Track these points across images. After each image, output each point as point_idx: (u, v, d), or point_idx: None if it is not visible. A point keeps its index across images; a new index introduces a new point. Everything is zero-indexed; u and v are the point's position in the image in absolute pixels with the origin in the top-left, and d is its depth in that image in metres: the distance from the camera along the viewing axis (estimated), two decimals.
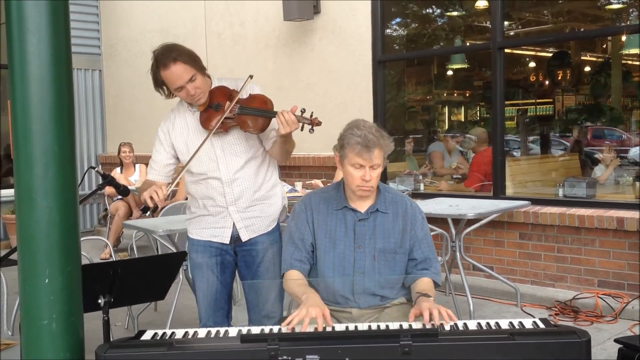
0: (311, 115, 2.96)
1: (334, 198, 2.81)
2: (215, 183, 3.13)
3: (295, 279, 2.72)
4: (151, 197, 2.87)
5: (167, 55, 2.96)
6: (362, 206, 2.77)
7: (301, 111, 2.93)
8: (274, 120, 2.97)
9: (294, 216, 2.86)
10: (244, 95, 3.07)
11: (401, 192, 2.93)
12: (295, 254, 2.78)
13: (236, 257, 3.23)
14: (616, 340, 3.06)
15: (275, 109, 2.99)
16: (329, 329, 2.31)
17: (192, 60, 3.00)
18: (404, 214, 2.78)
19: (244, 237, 3.16)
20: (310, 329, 2.34)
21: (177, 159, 3.22)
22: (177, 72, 2.95)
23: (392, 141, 2.72)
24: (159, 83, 3.04)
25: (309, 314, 2.32)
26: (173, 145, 3.18)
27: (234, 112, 3.01)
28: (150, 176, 3.23)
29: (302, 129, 2.98)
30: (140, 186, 3.24)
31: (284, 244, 2.88)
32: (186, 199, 6.90)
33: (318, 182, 6.46)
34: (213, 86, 3.12)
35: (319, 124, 2.97)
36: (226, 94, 3.06)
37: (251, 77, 3.05)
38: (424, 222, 2.83)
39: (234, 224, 3.16)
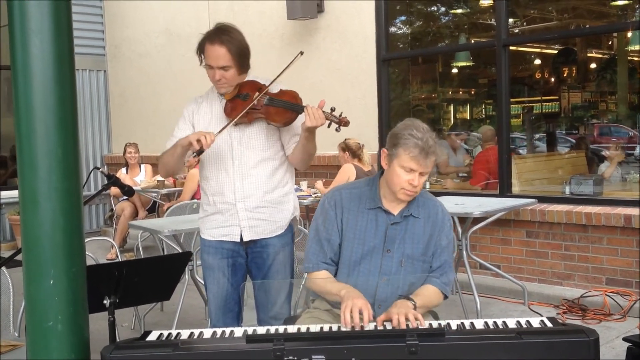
0: (340, 115, 2.95)
1: (367, 196, 2.68)
2: (226, 177, 3.10)
3: (324, 277, 2.66)
4: (198, 140, 2.85)
5: (219, 34, 3.00)
6: (396, 209, 2.65)
7: (331, 109, 2.93)
8: (299, 120, 2.97)
9: (322, 212, 2.72)
10: (274, 89, 3.07)
11: (434, 196, 2.81)
12: (320, 255, 2.68)
13: (247, 258, 3.20)
14: (625, 339, 3.04)
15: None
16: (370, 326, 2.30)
17: (238, 54, 3.02)
18: (434, 219, 2.68)
19: (246, 237, 3.11)
20: (316, 329, 2.33)
21: None
22: (217, 53, 2.99)
23: (443, 151, 2.65)
24: (201, 50, 3.07)
25: (356, 305, 2.29)
26: (194, 127, 3.16)
27: (262, 102, 3.01)
28: None
29: (328, 126, 2.97)
30: (164, 151, 3.18)
31: (309, 239, 2.76)
32: (192, 199, 6.92)
33: (320, 184, 6.45)
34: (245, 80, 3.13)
35: (347, 123, 2.96)
36: (256, 86, 3.07)
37: (302, 53, 3.05)
38: (450, 230, 2.71)
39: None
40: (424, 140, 2.49)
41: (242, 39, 3.06)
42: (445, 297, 2.69)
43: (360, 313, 2.30)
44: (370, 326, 2.32)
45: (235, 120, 3.00)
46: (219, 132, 2.98)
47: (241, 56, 3.04)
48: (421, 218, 2.67)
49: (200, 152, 2.89)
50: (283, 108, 3.00)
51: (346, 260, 2.67)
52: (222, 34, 3.01)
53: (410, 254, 2.64)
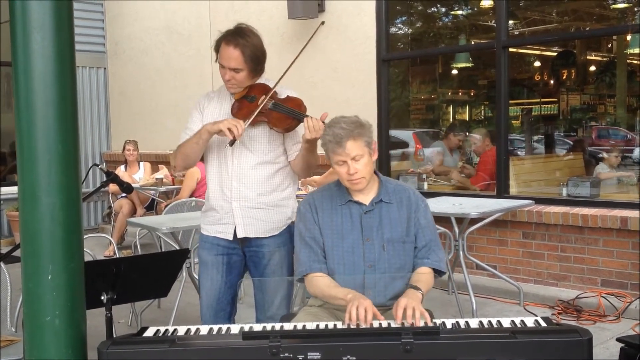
0: None
1: (337, 194, 2.80)
2: (225, 175, 3.11)
3: (324, 281, 2.70)
4: (230, 129, 2.87)
5: (236, 36, 3.02)
6: (366, 198, 2.76)
7: None
8: (301, 127, 2.99)
9: (300, 217, 2.83)
10: (282, 94, 3.10)
11: (403, 183, 2.92)
12: (311, 255, 2.74)
13: (245, 257, 3.20)
14: (618, 339, 3.06)
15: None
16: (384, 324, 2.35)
17: (252, 58, 3.03)
18: (407, 202, 2.78)
19: (240, 234, 3.11)
20: (312, 327, 2.34)
21: None
22: (230, 55, 3.01)
23: (370, 128, 2.71)
24: (217, 47, 3.10)
25: (362, 304, 2.35)
26: (202, 120, 3.17)
27: (267, 107, 3.03)
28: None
29: None
30: (179, 145, 3.19)
31: (296, 246, 2.83)
32: (190, 197, 6.92)
33: (312, 180, 6.44)
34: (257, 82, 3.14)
35: None
36: (264, 89, 3.09)
37: (323, 23, 3.10)
38: (426, 209, 2.82)
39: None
40: (332, 134, 2.63)
41: (258, 44, 3.07)
42: (442, 272, 2.78)
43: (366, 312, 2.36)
44: (374, 324, 2.35)
45: (250, 121, 3.00)
46: (248, 121, 2.98)
47: (254, 61, 3.04)
48: (394, 203, 2.78)
49: (232, 142, 2.93)
50: (285, 114, 3.02)
51: (329, 255, 2.74)
52: (240, 37, 3.01)
53: (390, 237, 2.73)
